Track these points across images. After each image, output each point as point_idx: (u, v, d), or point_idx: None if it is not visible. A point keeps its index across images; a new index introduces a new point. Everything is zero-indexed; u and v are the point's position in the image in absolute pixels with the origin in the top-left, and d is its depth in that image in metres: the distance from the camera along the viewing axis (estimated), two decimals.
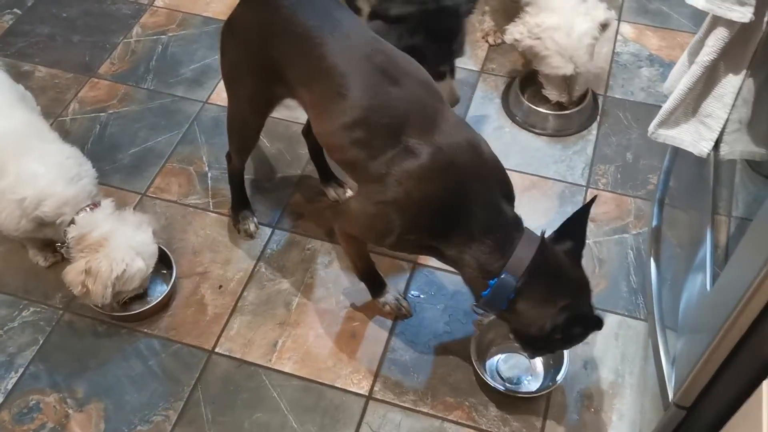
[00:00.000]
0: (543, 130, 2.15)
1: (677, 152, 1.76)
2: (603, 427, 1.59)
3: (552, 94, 2.11)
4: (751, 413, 1.17)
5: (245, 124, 1.70)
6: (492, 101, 2.24)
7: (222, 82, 2.26)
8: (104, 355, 1.71)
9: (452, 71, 1.77)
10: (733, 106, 1.39)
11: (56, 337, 1.73)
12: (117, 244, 1.60)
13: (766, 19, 1.26)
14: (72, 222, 1.62)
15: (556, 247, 1.40)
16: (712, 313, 1.23)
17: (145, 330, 1.74)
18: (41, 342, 1.72)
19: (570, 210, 1.95)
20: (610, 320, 1.75)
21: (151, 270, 1.69)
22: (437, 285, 1.82)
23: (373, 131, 1.34)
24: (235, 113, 1.69)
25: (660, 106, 1.49)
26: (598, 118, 2.19)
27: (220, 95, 2.24)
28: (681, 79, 1.43)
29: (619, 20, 2.46)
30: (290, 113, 2.13)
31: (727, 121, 1.41)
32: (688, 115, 1.46)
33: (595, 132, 2.15)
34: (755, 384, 1.16)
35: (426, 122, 1.35)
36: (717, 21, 1.30)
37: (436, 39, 1.67)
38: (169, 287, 1.77)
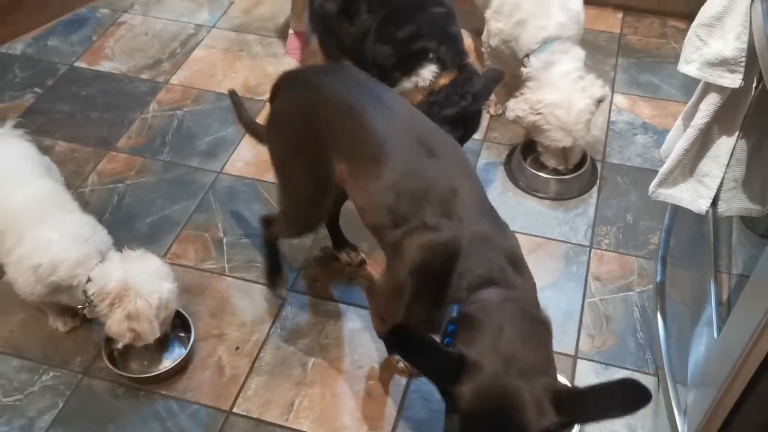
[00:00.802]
0: (545, 194, 2.24)
1: (677, 211, 1.84)
2: None
3: (550, 162, 2.21)
4: None
5: (304, 214, 1.72)
6: (495, 168, 2.34)
7: (236, 153, 2.39)
8: (123, 418, 1.73)
9: None
10: (728, 165, 1.48)
11: (75, 401, 1.75)
12: (139, 281, 1.65)
13: (754, 85, 1.37)
14: (89, 280, 1.67)
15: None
16: (718, 365, 1.28)
17: (163, 392, 1.77)
18: (60, 406, 1.74)
19: (575, 270, 2.04)
20: (620, 375, 1.79)
21: (176, 284, 1.74)
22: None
23: (401, 198, 1.38)
24: (291, 204, 1.71)
25: (655, 171, 1.58)
26: (598, 182, 2.28)
27: (234, 166, 2.34)
28: (677, 142, 1.52)
29: (612, 91, 2.59)
30: None
31: (723, 179, 1.50)
32: (686, 174, 1.55)
33: (595, 195, 2.25)
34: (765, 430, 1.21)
35: (450, 197, 1.36)
36: (709, 87, 1.41)
37: (463, 132, 1.95)
38: (187, 350, 1.81)
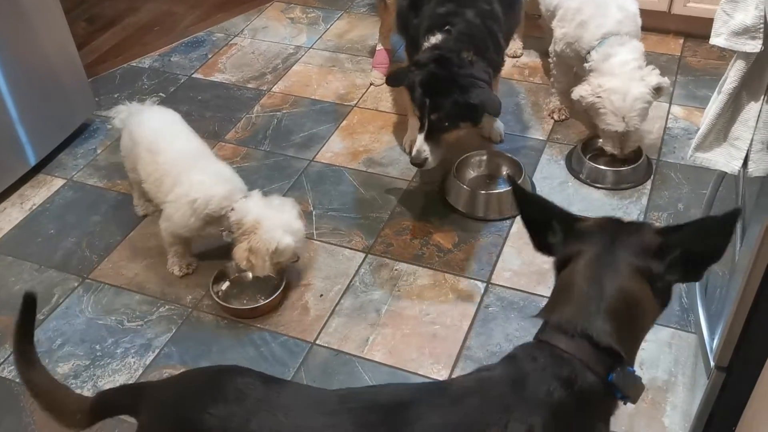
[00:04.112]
0: (602, 185, 2.46)
1: (718, 186, 2.03)
2: (657, 414, 1.78)
3: (607, 146, 2.44)
4: None
5: None
6: (557, 163, 2.58)
7: (326, 145, 2.73)
8: (224, 342, 2.03)
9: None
10: (756, 128, 1.68)
11: (186, 328, 2.07)
12: (269, 226, 1.97)
13: None
14: (231, 209, 2.01)
15: None
16: (735, 283, 1.47)
17: (258, 325, 2.06)
18: (174, 331, 2.06)
19: None
20: (664, 332, 1.97)
21: (300, 242, 2.02)
22: (508, 300, 2.09)
23: None
24: None
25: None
26: (652, 176, 2.48)
27: (324, 155, 2.67)
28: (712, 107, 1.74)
29: (670, 103, 2.81)
30: (382, 169, 2.54)
31: (751, 142, 1.70)
32: (719, 139, 1.75)
33: (649, 187, 2.45)
34: None
35: None
36: (736, 56, 1.64)
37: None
38: (279, 291, 2.11)
